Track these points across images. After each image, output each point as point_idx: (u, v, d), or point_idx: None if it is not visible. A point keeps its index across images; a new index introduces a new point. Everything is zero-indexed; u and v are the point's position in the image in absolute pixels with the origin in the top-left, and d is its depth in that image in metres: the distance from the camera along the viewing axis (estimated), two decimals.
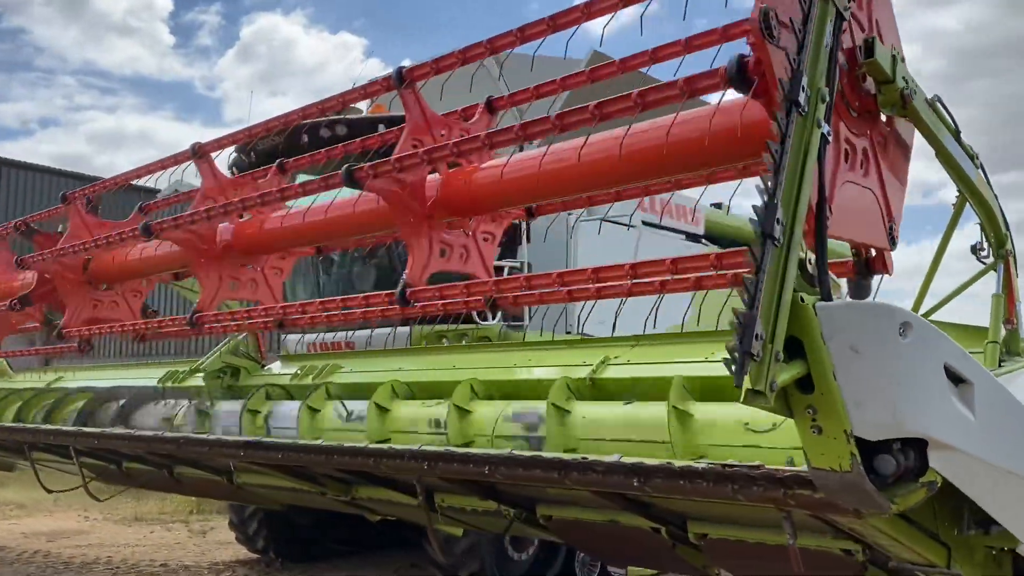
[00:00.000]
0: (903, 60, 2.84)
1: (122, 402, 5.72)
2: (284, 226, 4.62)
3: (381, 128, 6.80)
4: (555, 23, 3.45)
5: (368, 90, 4.05)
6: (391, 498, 4.45)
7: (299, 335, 7.75)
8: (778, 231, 2.07)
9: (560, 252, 7.21)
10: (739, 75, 2.41)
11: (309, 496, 5.04)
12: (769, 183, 2.09)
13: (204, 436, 4.29)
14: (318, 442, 3.79)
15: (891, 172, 2.91)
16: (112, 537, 10.33)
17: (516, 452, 3.17)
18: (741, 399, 2.04)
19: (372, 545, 9.06)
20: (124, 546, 9.93)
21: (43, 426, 5.34)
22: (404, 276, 3.47)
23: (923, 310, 3.97)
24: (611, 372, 4.01)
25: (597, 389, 3.95)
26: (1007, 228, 3.63)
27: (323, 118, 7.60)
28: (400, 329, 6.96)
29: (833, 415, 2.17)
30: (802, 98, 2.17)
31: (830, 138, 2.28)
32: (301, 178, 8.09)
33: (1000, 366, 3.31)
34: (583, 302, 3.36)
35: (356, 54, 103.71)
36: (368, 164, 3.53)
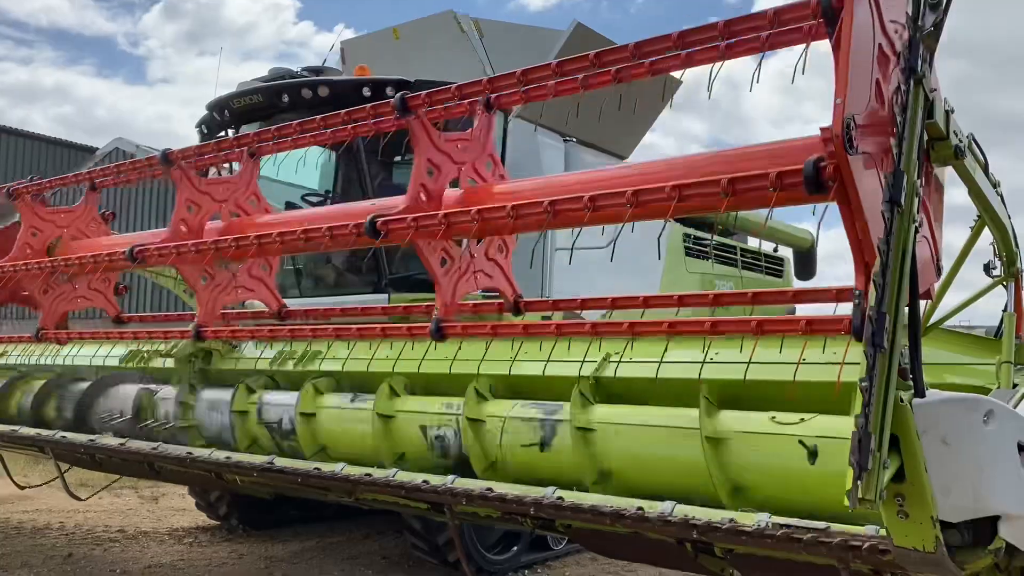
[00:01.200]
0: (953, 111, 2.85)
1: (100, 396, 5.51)
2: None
3: (366, 91, 6.61)
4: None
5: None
6: (399, 501, 4.43)
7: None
8: (884, 339, 2.08)
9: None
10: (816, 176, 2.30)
11: (305, 491, 5.00)
12: (877, 290, 2.09)
13: (210, 455, 4.18)
14: (343, 471, 3.73)
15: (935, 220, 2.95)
16: (60, 503, 10.01)
17: (561, 496, 3.18)
18: (849, 505, 2.08)
19: (338, 512, 8.96)
20: (75, 512, 9.65)
21: (21, 430, 5.14)
22: (436, 312, 3.39)
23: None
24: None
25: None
26: (1018, 247, 3.74)
27: (304, 77, 7.34)
28: (378, 295, 6.88)
29: (921, 503, 2.24)
30: (902, 198, 2.17)
31: (921, 228, 2.29)
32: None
33: (1014, 387, 3.43)
34: None
35: (288, 16, 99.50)
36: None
